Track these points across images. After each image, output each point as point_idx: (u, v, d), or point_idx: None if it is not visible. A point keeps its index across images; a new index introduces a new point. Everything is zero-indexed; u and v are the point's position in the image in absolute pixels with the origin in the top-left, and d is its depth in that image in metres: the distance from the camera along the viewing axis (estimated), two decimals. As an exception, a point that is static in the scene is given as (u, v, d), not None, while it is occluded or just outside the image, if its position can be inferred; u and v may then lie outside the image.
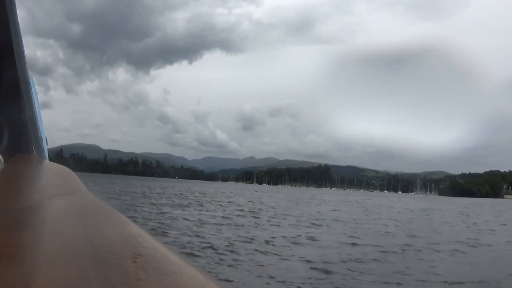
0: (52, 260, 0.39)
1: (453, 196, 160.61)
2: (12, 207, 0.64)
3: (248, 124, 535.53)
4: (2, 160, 1.26)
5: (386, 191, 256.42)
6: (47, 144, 1.80)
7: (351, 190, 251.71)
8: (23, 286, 0.34)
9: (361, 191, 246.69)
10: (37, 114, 1.63)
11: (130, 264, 0.38)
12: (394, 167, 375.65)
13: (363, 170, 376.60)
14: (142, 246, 0.44)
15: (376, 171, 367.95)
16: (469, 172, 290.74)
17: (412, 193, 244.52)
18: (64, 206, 0.68)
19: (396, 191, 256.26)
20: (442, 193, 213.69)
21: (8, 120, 1.45)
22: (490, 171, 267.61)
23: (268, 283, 7.59)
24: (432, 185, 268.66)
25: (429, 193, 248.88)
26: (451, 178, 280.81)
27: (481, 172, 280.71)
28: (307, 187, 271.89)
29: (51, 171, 1.25)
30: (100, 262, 0.39)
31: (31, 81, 1.61)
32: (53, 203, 0.70)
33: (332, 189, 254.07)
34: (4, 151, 1.37)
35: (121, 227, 0.52)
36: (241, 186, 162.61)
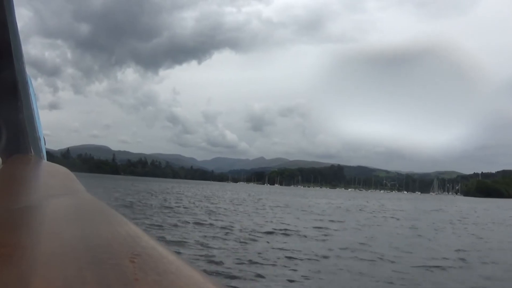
0: (49, 261, 0.38)
1: (480, 197, 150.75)
2: (10, 208, 0.63)
3: (257, 124, 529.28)
4: (0, 161, 1.26)
5: (405, 192, 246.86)
6: (45, 144, 1.78)
7: (369, 191, 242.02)
8: (20, 287, 0.33)
9: (381, 192, 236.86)
10: (35, 114, 1.62)
11: (128, 264, 0.38)
12: (404, 167, 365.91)
13: (374, 170, 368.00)
14: (140, 246, 0.44)
15: (387, 171, 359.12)
16: (482, 172, 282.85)
17: (433, 193, 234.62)
18: (61, 206, 0.68)
19: (414, 192, 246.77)
20: (467, 193, 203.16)
21: (6, 120, 1.44)
22: (503, 171, 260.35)
23: None
24: (448, 185, 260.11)
25: (447, 193, 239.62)
26: (464, 178, 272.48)
27: (494, 172, 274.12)
28: (320, 187, 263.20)
29: (49, 171, 1.25)
30: (98, 262, 0.38)
31: (29, 81, 1.59)
32: (50, 204, 0.69)
33: (349, 189, 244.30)
34: (2, 152, 1.38)
35: (119, 227, 0.52)
36: (255, 187, 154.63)
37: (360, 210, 31.58)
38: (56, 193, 0.82)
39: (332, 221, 19.29)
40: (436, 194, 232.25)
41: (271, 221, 17.29)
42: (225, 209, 23.28)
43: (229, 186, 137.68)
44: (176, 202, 26.26)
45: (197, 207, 23.43)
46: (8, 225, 0.52)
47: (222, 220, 16.26)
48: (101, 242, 0.45)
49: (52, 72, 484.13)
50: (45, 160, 1.61)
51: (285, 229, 14.19)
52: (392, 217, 24.60)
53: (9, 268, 0.36)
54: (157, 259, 0.41)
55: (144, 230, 0.51)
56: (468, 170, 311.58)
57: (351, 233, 15.06)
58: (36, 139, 1.55)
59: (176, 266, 0.40)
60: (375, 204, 44.94)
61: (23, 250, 0.41)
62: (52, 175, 1.15)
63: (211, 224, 14.58)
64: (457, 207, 49.50)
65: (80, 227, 0.52)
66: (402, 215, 27.03)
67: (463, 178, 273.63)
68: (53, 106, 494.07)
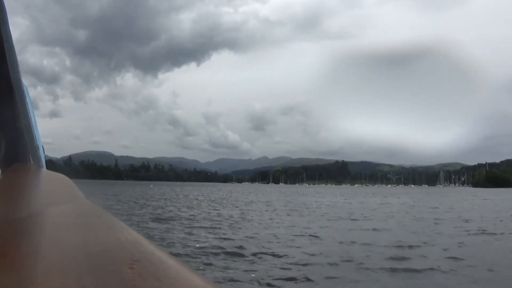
0: (49, 269, 0.39)
1: (490, 188, 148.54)
2: (10, 218, 0.64)
3: (259, 124, 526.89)
4: (0, 171, 1.26)
5: (412, 185, 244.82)
6: (44, 152, 1.78)
7: (375, 186, 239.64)
8: None
9: (388, 186, 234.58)
10: (33, 123, 1.61)
11: (127, 271, 0.38)
12: (407, 161, 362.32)
13: (378, 164, 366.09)
14: (140, 251, 0.44)
15: (391, 165, 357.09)
16: (486, 162, 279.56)
17: (440, 185, 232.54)
18: (61, 214, 0.68)
19: (420, 185, 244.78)
20: (476, 184, 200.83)
21: (4, 130, 1.44)
22: (507, 160, 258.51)
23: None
24: (453, 176, 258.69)
25: (454, 185, 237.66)
26: (468, 169, 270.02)
27: (498, 162, 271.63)
28: (325, 184, 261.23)
29: (48, 179, 1.26)
30: (97, 269, 0.38)
31: (25, 90, 1.59)
32: (50, 212, 0.70)
33: (355, 185, 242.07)
34: (1, 162, 1.38)
35: (119, 233, 0.52)
36: (261, 187, 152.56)
37: (404, 211, 25.36)
38: (55, 201, 0.82)
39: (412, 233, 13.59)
40: (444, 186, 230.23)
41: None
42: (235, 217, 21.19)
43: (235, 187, 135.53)
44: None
45: (205, 214, 21.43)
46: (9, 235, 0.52)
47: (232, 239, 11.48)
48: (100, 248, 0.45)
49: (51, 80, 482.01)
50: (44, 169, 1.62)
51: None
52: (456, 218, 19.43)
53: (10, 277, 0.37)
54: (156, 264, 0.41)
55: (143, 235, 0.51)
56: (471, 161, 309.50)
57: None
58: (34, 148, 1.55)
59: (175, 271, 0.40)
60: (407, 201, 40.51)
61: (24, 259, 0.42)
62: (51, 184, 1.16)
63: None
64: (489, 200, 45.89)
65: (79, 234, 0.52)
66: (450, 216, 21.43)
67: (467, 169, 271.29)
68: (53, 114, 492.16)
